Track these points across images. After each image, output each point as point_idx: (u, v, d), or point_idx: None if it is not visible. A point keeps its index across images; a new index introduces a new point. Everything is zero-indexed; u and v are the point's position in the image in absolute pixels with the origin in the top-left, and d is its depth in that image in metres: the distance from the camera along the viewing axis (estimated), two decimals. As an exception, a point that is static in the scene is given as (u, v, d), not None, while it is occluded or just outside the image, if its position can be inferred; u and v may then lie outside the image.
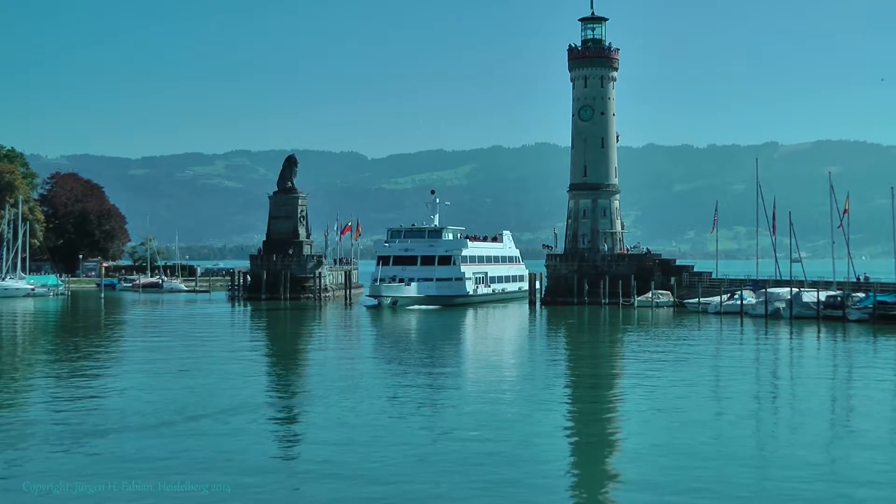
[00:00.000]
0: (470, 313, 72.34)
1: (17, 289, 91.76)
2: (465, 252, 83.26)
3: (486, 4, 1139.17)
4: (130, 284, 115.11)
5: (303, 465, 20.67)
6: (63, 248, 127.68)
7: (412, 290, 76.44)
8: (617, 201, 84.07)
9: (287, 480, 19.36)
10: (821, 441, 23.27)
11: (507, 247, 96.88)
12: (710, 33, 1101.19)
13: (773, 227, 72.72)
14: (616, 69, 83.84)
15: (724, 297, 68.46)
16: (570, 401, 30.77)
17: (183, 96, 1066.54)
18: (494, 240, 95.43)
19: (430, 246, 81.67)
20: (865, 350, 44.72)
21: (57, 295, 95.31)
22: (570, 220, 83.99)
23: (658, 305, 73.90)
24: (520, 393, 31.31)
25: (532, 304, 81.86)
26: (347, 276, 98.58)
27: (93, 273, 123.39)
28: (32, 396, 30.33)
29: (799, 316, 60.11)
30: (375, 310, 72.65)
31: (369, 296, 79.89)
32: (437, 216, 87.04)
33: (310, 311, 75.20)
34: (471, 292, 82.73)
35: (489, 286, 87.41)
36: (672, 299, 74.58)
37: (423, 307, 73.90)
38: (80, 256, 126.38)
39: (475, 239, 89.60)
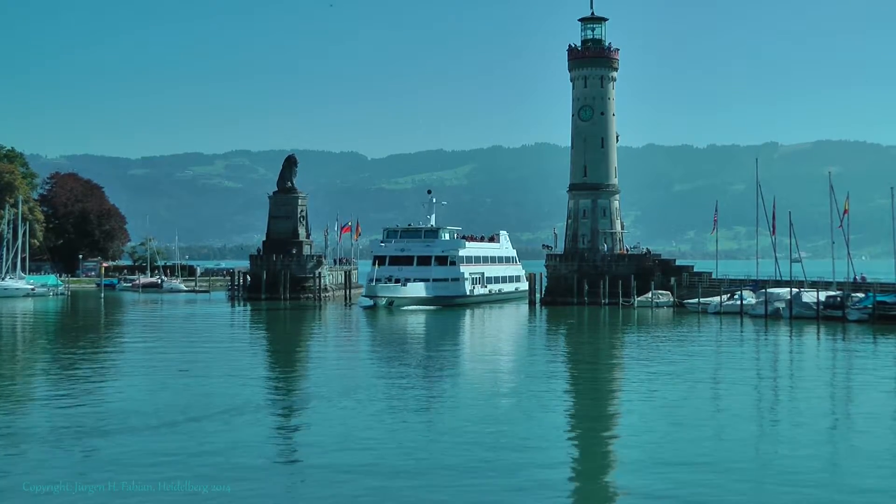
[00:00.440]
0: (468, 314, 72.14)
1: (17, 289, 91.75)
2: (461, 252, 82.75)
3: (486, 4, 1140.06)
4: (130, 284, 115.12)
5: (303, 466, 20.69)
6: (63, 248, 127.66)
7: (408, 291, 75.75)
8: (617, 201, 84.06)
9: (287, 481, 19.37)
10: (821, 441, 23.26)
11: (504, 247, 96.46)
12: (710, 33, 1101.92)
13: (773, 227, 72.71)
14: (616, 69, 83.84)
15: (724, 297, 68.47)
16: (570, 402, 30.76)
17: (183, 96, 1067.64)
18: (491, 240, 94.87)
19: (426, 246, 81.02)
20: (865, 350, 44.72)
21: (57, 295, 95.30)
22: (569, 221, 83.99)
23: (658, 305, 73.90)
24: (520, 393, 31.27)
25: (532, 304, 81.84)
26: (347, 276, 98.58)
27: (92, 273, 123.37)
28: (32, 396, 30.33)
29: (799, 316, 60.11)
30: (371, 310, 72.21)
31: (365, 296, 79.55)
32: (433, 216, 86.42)
33: (309, 312, 75.18)
34: (467, 293, 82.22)
35: (486, 286, 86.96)
36: (672, 299, 74.58)
37: (420, 308, 73.44)
38: (80, 256, 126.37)
39: (472, 239, 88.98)
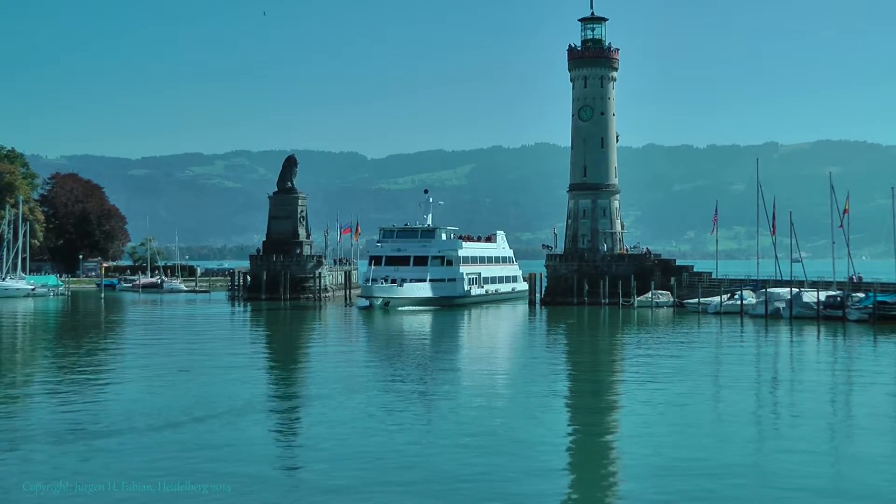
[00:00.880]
0: (467, 314, 71.88)
1: (18, 289, 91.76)
2: (458, 252, 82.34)
3: (487, 4, 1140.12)
4: (130, 285, 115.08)
5: (302, 466, 20.68)
6: (63, 249, 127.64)
7: (405, 291, 75.05)
8: (617, 201, 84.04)
9: (287, 481, 19.37)
10: (822, 441, 23.23)
11: (501, 247, 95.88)
12: (710, 33, 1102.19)
13: (774, 227, 72.72)
14: (616, 69, 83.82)
15: (725, 297, 68.44)
16: (570, 405, 30.69)
17: (183, 96, 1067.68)
18: (488, 240, 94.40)
19: (422, 246, 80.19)
20: (865, 350, 44.72)
21: (57, 295, 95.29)
22: (569, 221, 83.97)
23: (658, 305, 73.88)
24: (521, 395, 31.26)
25: (532, 303, 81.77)
26: (347, 276, 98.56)
27: (93, 273, 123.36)
28: (32, 396, 30.31)
29: (799, 316, 60.10)
30: (367, 310, 71.75)
31: (360, 296, 79.14)
32: (429, 216, 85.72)
33: (309, 312, 75.14)
34: (464, 293, 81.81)
35: (483, 287, 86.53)
36: (672, 299, 74.57)
37: (416, 308, 72.99)
38: (81, 257, 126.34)
39: (468, 239, 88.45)
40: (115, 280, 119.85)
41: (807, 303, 61.07)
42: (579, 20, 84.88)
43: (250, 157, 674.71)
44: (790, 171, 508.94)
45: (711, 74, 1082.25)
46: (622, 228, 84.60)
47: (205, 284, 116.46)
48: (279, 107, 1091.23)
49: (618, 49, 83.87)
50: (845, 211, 69.07)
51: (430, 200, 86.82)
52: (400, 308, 72.32)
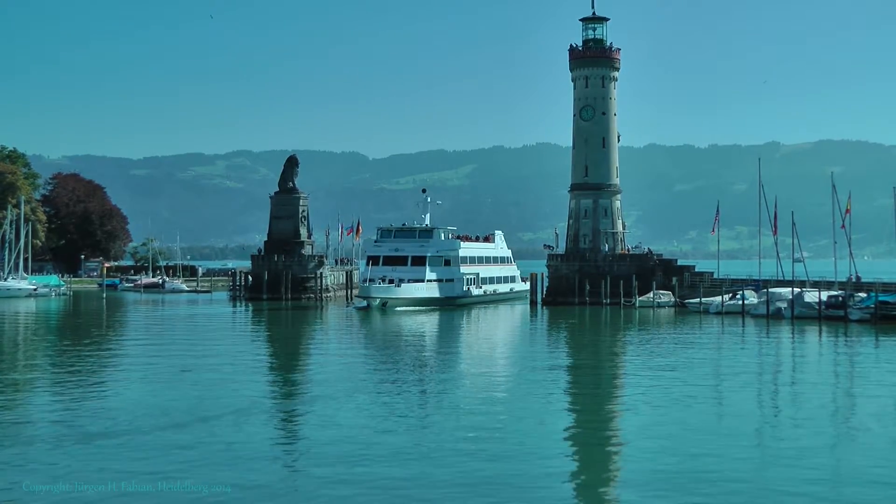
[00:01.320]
0: (466, 314, 71.72)
1: (20, 289, 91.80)
2: (456, 252, 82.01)
3: (488, 4, 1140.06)
4: (132, 285, 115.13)
5: (303, 466, 20.65)
6: (65, 249, 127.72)
7: (402, 292, 74.38)
8: (618, 201, 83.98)
9: (286, 481, 19.35)
10: (823, 442, 23.20)
11: (499, 247, 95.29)
12: (712, 33, 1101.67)
13: (775, 226, 72.67)
14: (617, 69, 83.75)
15: (726, 297, 68.38)
16: (571, 408, 30.61)
17: (184, 96, 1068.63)
18: (486, 240, 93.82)
19: (420, 246, 79.23)
20: (867, 350, 44.70)
21: (59, 295, 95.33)
22: (571, 221, 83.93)
23: (659, 306, 73.81)
24: (523, 396, 31.25)
25: (533, 303, 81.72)
26: (348, 276, 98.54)
27: (94, 273, 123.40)
28: (33, 396, 30.33)
29: (800, 316, 60.06)
30: (365, 311, 71.37)
31: (358, 296, 78.69)
32: (427, 216, 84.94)
33: (311, 312, 75.12)
34: (462, 294, 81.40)
35: (481, 287, 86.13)
36: (673, 299, 74.51)
37: (414, 309, 72.56)
38: (82, 257, 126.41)
39: (467, 239, 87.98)
40: (116, 280, 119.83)
41: (808, 303, 61.03)
42: (580, 20, 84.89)
43: (252, 157, 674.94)
44: (792, 171, 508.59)
45: (713, 74, 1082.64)
46: (623, 228, 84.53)
47: (206, 284, 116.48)
48: (280, 107, 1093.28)
49: (619, 49, 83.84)
50: (847, 211, 69.01)
51: (428, 200, 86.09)
52: (398, 309, 71.93)
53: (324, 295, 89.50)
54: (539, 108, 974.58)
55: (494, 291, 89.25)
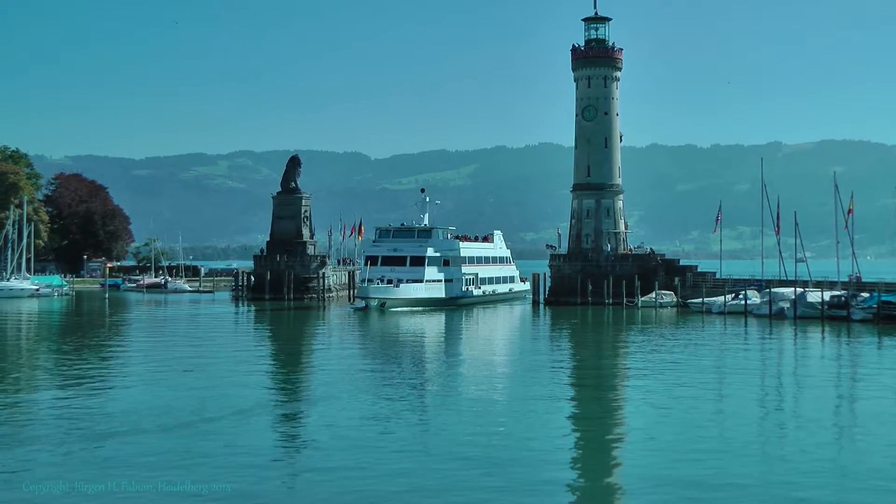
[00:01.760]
0: (466, 315, 71.52)
1: (22, 289, 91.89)
2: (455, 252, 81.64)
3: (489, 4, 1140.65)
4: (134, 285, 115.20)
5: (303, 467, 20.63)
6: (67, 249, 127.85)
7: (401, 292, 73.74)
8: (620, 201, 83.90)
9: (287, 481, 19.32)
10: (826, 443, 23.13)
11: (499, 247, 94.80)
12: (714, 33, 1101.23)
13: (778, 226, 72.61)
14: (619, 69, 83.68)
15: (729, 297, 68.31)
16: (573, 409, 30.61)
17: (186, 97, 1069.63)
18: (486, 240, 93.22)
19: (419, 246, 78.51)
20: (870, 350, 44.61)
21: (61, 295, 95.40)
22: (573, 220, 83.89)
23: (662, 305, 73.74)
24: (525, 396, 31.19)
25: (535, 303, 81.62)
26: (351, 276, 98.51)
27: (97, 273, 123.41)
28: (34, 396, 30.29)
29: (803, 316, 59.99)
30: (363, 311, 70.96)
31: (356, 297, 78.43)
32: (426, 215, 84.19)
33: (313, 312, 75.06)
34: (462, 294, 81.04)
35: (480, 287, 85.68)
36: (676, 299, 74.44)
37: (413, 309, 72.13)
38: (85, 257, 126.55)
39: (466, 239, 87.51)
40: (119, 280, 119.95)
41: (811, 303, 60.96)
42: (583, 20, 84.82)
43: (254, 157, 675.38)
44: (794, 171, 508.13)
45: (715, 74, 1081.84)
46: (626, 228, 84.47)
47: (209, 284, 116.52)
48: (282, 107, 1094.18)
49: (621, 49, 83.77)
50: (849, 211, 68.93)
51: (427, 200, 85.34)
52: (396, 309, 71.47)
53: (326, 295, 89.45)
54: (541, 108, 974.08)
55: (494, 292, 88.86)
